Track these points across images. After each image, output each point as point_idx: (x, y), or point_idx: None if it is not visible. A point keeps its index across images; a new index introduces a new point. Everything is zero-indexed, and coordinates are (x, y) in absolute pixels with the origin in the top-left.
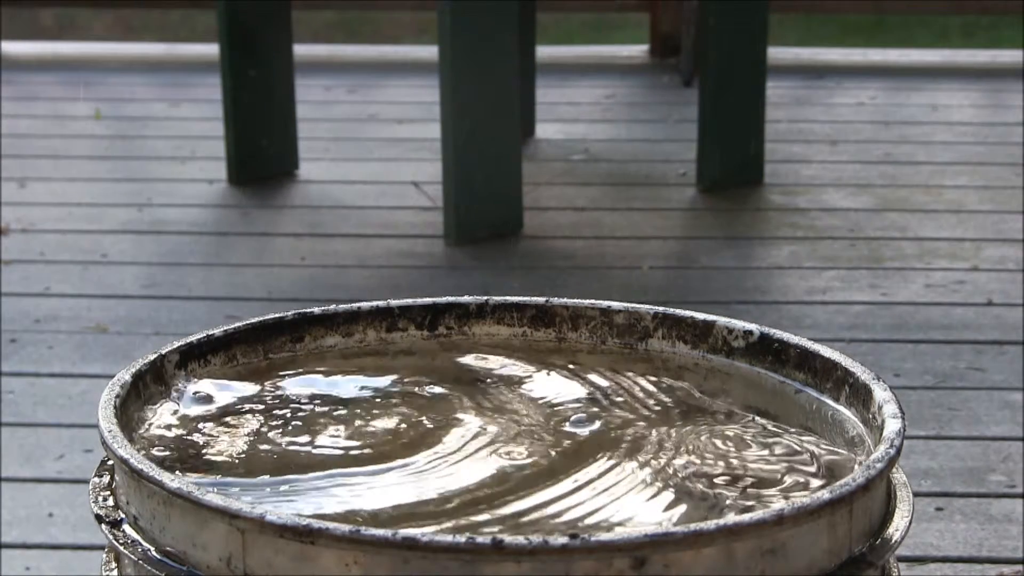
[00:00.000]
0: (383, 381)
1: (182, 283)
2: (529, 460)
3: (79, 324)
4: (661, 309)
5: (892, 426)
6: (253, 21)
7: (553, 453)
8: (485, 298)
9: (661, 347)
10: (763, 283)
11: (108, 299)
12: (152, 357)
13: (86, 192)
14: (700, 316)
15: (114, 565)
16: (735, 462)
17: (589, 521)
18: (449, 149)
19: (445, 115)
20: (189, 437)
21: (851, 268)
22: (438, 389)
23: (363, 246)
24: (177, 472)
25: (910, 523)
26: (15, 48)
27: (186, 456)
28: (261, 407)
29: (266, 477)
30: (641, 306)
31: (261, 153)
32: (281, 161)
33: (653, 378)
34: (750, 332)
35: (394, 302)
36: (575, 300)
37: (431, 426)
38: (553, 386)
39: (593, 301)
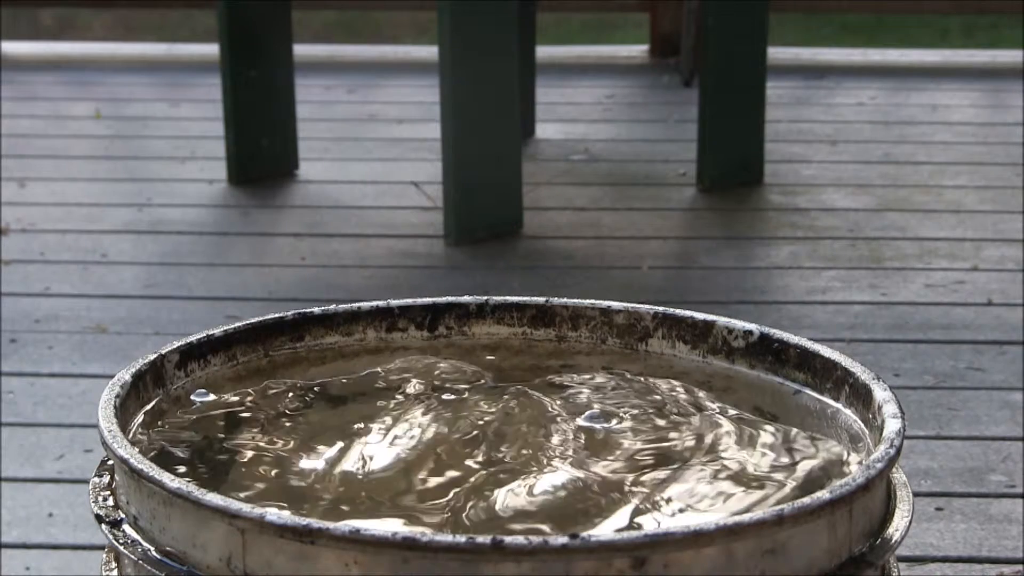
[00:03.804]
0: (386, 381)
1: (182, 283)
2: (543, 455)
3: (79, 324)
4: (661, 309)
5: (892, 426)
6: (253, 21)
7: (566, 449)
8: (485, 298)
9: (661, 347)
10: (763, 283)
11: (108, 299)
12: (152, 357)
13: (86, 192)
14: (700, 316)
15: (114, 565)
16: (736, 461)
17: (595, 516)
18: (449, 149)
19: (445, 115)
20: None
21: (851, 268)
22: (445, 387)
23: (363, 246)
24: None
25: (910, 523)
26: (15, 48)
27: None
28: (267, 409)
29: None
30: (641, 306)
31: (261, 153)
32: (281, 161)
33: (655, 377)
34: (750, 332)
35: (394, 302)
36: (575, 300)
37: (443, 423)
38: (563, 383)
39: (593, 301)
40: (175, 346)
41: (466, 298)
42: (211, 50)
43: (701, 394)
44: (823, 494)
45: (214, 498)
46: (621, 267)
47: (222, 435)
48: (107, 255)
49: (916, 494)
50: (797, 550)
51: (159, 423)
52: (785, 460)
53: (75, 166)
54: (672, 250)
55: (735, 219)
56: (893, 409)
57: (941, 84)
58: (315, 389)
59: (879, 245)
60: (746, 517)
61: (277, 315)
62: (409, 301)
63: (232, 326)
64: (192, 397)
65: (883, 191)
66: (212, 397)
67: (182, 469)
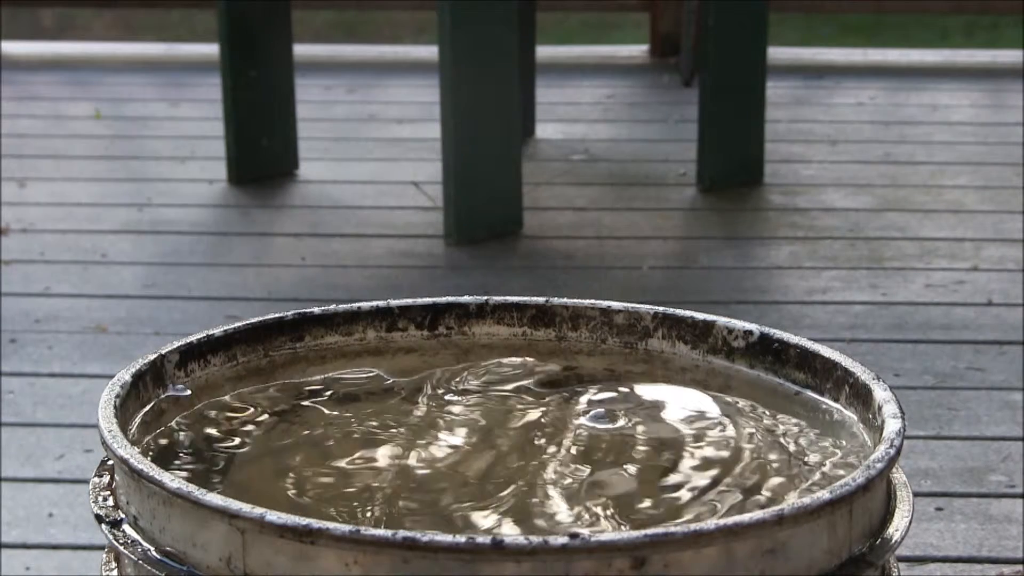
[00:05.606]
0: (388, 381)
1: (182, 283)
2: (548, 455)
3: (79, 324)
4: (661, 309)
5: (892, 426)
6: (253, 21)
7: (572, 449)
8: (485, 298)
9: (661, 347)
10: (763, 283)
11: (108, 299)
12: (152, 357)
13: (86, 192)
14: (700, 316)
15: (114, 565)
16: (737, 461)
17: (595, 518)
18: (449, 149)
19: (445, 115)
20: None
21: (851, 268)
22: (447, 387)
23: (363, 246)
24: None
25: (910, 523)
26: (15, 48)
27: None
28: (273, 409)
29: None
30: (641, 306)
31: (261, 153)
32: (281, 161)
33: (655, 378)
34: (750, 332)
35: (394, 302)
36: (575, 300)
37: (444, 423)
38: (568, 384)
39: (593, 301)
40: (175, 346)
41: (466, 298)
42: (211, 50)
43: (709, 394)
44: (823, 494)
45: (214, 498)
46: (621, 267)
47: (222, 435)
48: (107, 255)
49: (916, 494)
50: (797, 550)
51: (159, 424)
52: (786, 459)
53: (75, 166)
54: (672, 250)
55: (735, 219)
56: (893, 409)
57: (941, 84)
58: (321, 389)
59: (879, 245)
60: (746, 517)
61: (277, 315)
62: (409, 301)
63: (232, 326)
64: (171, 392)
65: (883, 191)
66: (188, 392)
67: (182, 471)
